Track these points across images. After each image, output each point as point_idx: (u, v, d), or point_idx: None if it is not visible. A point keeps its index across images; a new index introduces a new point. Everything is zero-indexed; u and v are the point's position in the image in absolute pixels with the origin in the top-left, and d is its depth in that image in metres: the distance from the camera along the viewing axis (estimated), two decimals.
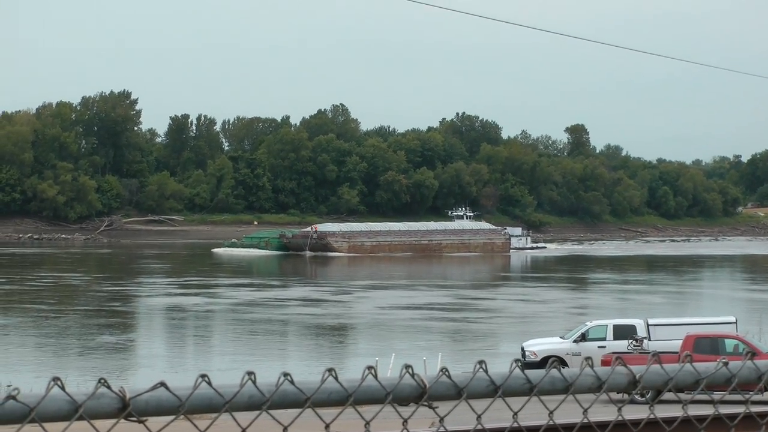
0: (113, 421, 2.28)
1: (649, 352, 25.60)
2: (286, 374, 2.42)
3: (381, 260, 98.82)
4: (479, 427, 2.75)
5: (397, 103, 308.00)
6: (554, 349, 29.01)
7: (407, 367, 2.54)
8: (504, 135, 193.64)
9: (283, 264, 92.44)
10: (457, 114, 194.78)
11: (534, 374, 2.70)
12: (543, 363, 27.88)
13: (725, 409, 3.12)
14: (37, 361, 33.58)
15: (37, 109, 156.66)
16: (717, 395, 3.11)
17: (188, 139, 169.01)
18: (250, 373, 2.38)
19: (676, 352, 24.06)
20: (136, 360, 35.14)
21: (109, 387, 2.24)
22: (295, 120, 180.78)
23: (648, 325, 29.24)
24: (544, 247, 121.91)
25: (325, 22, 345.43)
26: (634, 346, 27.50)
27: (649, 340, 28.36)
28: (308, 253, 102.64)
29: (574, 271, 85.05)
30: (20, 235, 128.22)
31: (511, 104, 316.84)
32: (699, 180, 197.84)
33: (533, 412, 3.00)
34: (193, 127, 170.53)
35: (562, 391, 2.71)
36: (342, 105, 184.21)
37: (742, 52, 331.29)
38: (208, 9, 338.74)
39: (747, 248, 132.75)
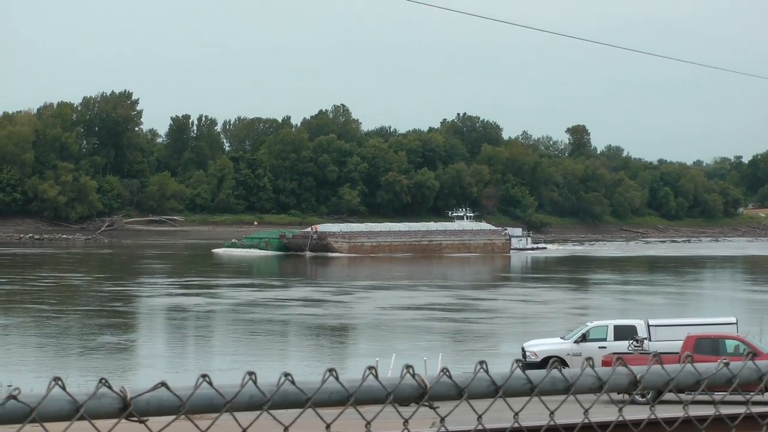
0: (114, 421, 2.28)
1: (649, 353, 25.60)
2: (286, 374, 2.42)
3: (381, 261, 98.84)
4: (480, 427, 2.75)
5: (398, 104, 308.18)
6: (555, 350, 29.00)
7: (408, 367, 2.54)
8: (505, 135, 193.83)
9: (283, 264, 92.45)
10: (458, 114, 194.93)
11: (535, 374, 2.70)
12: (544, 363, 27.88)
13: (726, 410, 3.12)
14: (38, 361, 33.59)
15: (38, 110, 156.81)
16: (718, 396, 3.11)
17: (189, 139, 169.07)
18: (250, 373, 2.38)
19: (677, 353, 24.06)
20: (137, 360, 35.15)
21: (110, 387, 2.24)
22: (296, 120, 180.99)
23: (649, 326, 29.24)
24: (545, 248, 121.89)
25: (325, 22, 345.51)
26: (635, 346, 27.50)
27: (650, 340, 28.36)
28: (308, 254, 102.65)
29: (574, 272, 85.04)
30: (21, 236, 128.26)
31: (511, 105, 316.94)
32: (700, 181, 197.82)
33: (534, 413, 3.00)
34: (194, 128, 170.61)
35: (563, 391, 2.71)
36: (343, 105, 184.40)
37: (742, 52, 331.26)
38: (209, 9, 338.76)
39: (748, 249, 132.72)
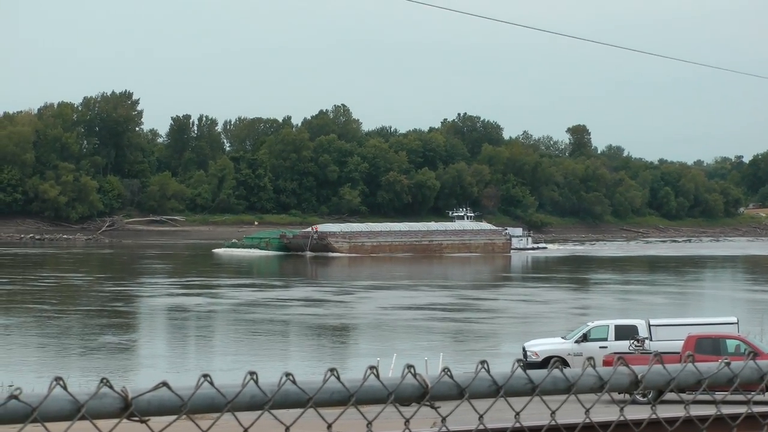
0: (115, 421, 2.28)
1: (650, 353, 25.60)
2: (288, 374, 2.42)
3: (382, 261, 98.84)
4: (481, 427, 2.75)
5: (399, 104, 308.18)
6: (556, 350, 29.00)
7: (409, 367, 2.54)
8: (505, 135, 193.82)
9: (283, 264, 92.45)
10: (459, 114, 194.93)
11: (536, 374, 2.70)
12: (544, 363, 27.89)
13: (727, 410, 3.12)
14: (39, 361, 33.60)
15: (38, 110, 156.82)
16: (719, 395, 3.11)
17: (190, 139, 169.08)
18: (252, 373, 2.38)
19: (678, 353, 24.06)
20: (138, 360, 35.16)
21: (111, 387, 2.24)
22: (296, 120, 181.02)
23: (649, 326, 29.24)
24: (545, 248, 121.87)
25: (326, 22, 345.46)
26: (636, 346, 27.49)
27: (651, 340, 28.36)
28: (308, 254, 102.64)
29: (575, 272, 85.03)
30: (22, 236, 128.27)
31: (512, 105, 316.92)
32: (700, 181, 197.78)
33: (535, 412, 3.00)
34: (195, 128, 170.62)
35: (564, 391, 2.71)
36: (343, 105, 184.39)
37: (743, 52, 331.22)
38: (210, 9, 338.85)
39: (748, 249, 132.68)
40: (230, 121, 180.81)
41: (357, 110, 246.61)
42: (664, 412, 3.03)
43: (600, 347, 28.20)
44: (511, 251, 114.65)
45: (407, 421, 2.66)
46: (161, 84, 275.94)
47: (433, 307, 52.89)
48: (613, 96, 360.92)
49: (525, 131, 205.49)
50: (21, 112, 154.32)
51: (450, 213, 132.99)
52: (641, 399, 20.03)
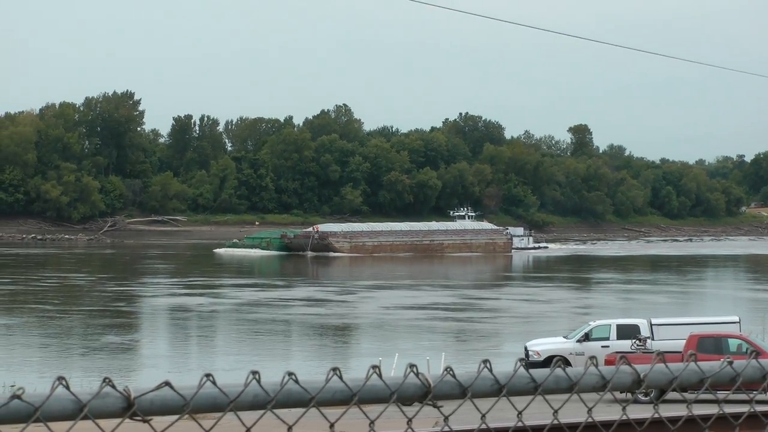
0: (118, 420, 2.28)
1: (652, 352, 25.59)
2: (290, 373, 2.42)
3: (383, 260, 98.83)
4: (484, 426, 2.75)
5: (400, 104, 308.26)
6: (558, 349, 28.99)
7: (412, 366, 2.54)
8: (507, 135, 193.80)
9: (284, 264, 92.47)
10: (460, 114, 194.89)
11: (538, 373, 2.70)
12: (546, 363, 27.88)
13: (729, 409, 3.11)
14: (41, 361, 33.62)
15: (40, 110, 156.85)
16: (721, 395, 3.11)
17: (191, 139, 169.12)
18: (254, 373, 2.38)
19: (680, 352, 24.06)
20: (141, 360, 35.17)
21: (113, 386, 2.25)
22: (298, 120, 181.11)
23: (651, 325, 29.24)
24: (546, 247, 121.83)
25: (327, 22, 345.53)
26: (638, 345, 27.49)
27: (653, 339, 28.36)
28: (309, 254, 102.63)
29: (577, 271, 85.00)
30: (24, 236, 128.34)
31: (514, 104, 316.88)
32: (702, 180, 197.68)
33: (537, 412, 3.00)
34: (196, 128, 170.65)
35: (567, 390, 2.71)
36: (345, 105, 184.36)
37: (745, 52, 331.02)
38: (211, 10, 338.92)
39: (750, 248, 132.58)
40: (232, 121, 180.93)
41: (358, 110, 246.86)
42: (667, 411, 3.02)
43: (602, 347, 28.19)
44: (512, 251, 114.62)
45: (410, 420, 2.66)
46: (163, 84, 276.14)
47: (435, 306, 52.88)
48: (615, 95, 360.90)
49: (526, 131, 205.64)
50: (23, 112, 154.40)
51: (451, 213, 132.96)
52: (643, 398, 20.02)
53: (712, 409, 3.21)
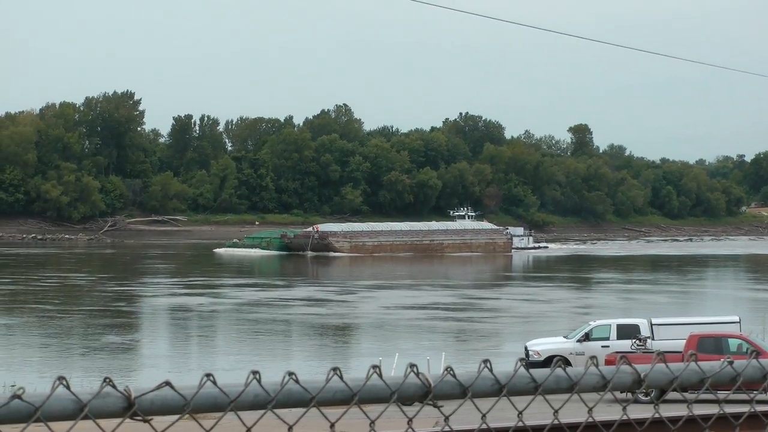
0: (118, 420, 2.28)
1: (652, 352, 25.59)
2: (291, 373, 2.42)
3: (383, 260, 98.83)
4: (484, 426, 2.75)
5: (400, 103, 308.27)
6: (558, 349, 28.99)
7: (412, 366, 2.54)
8: (507, 135, 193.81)
9: (284, 264, 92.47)
10: (461, 114, 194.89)
11: (539, 373, 2.70)
12: (546, 362, 27.89)
13: (730, 409, 3.11)
14: (42, 361, 33.62)
15: (40, 110, 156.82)
16: (722, 394, 3.10)
17: (191, 139, 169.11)
18: (255, 373, 2.38)
19: (680, 352, 24.06)
20: (141, 360, 35.17)
21: (114, 386, 2.24)
22: (298, 120, 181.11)
23: (651, 325, 29.24)
24: (546, 247, 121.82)
25: (327, 22, 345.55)
26: (638, 345, 27.49)
27: (653, 339, 28.36)
28: (309, 253, 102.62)
29: (577, 271, 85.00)
30: (24, 236, 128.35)
31: (514, 104, 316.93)
32: (702, 179, 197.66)
33: (538, 412, 3.00)
34: (197, 128, 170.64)
35: (567, 390, 2.71)
36: (345, 105, 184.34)
37: (745, 52, 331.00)
38: (211, 10, 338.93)
39: (750, 248, 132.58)
40: (232, 121, 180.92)
41: (358, 110, 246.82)
42: (667, 411, 3.02)
43: (602, 346, 28.19)
44: (512, 250, 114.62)
45: (410, 420, 2.66)
46: (163, 84, 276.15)
47: (435, 306, 52.88)
48: (615, 95, 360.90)
49: (527, 130, 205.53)
50: (23, 112, 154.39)
51: (451, 213, 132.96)
52: (643, 398, 20.02)
53: (712, 409, 3.21)
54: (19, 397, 2.17)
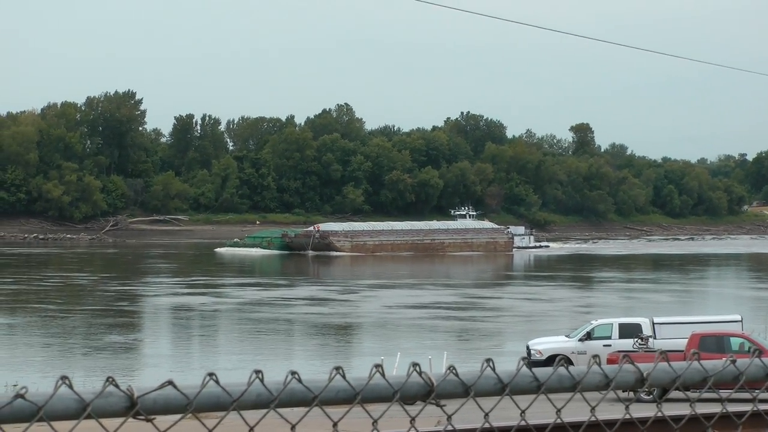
0: (121, 419, 2.28)
1: (654, 351, 25.58)
2: (293, 372, 2.42)
3: (384, 259, 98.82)
4: (487, 425, 2.74)
5: (402, 103, 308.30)
6: (560, 348, 28.99)
7: (415, 365, 2.54)
8: (509, 134, 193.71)
9: (285, 263, 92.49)
10: (462, 113, 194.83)
11: (542, 372, 2.70)
12: (548, 362, 27.89)
13: (733, 407, 3.11)
14: (44, 360, 33.64)
15: (41, 110, 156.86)
16: (724, 393, 3.10)
17: (193, 138, 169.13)
18: (257, 372, 2.38)
19: (682, 351, 24.05)
20: (144, 359, 35.18)
21: (117, 386, 2.24)
22: (299, 120, 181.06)
23: (653, 324, 29.23)
24: (548, 246, 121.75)
25: (329, 22, 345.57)
26: (640, 344, 27.48)
27: (655, 338, 28.35)
28: (310, 253, 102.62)
29: (579, 270, 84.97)
30: (26, 235, 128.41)
31: (515, 103, 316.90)
32: (704, 179, 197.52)
33: (540, 411, 3.00)
34: (198, 127, 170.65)
35: (570, 389, 2.71)
36: (346, 104, 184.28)
37: (745, 51, 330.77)
38: (211, 10, 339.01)
39: (752, 247, 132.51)
40: (233, 121, 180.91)
41: (360, 109, 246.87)
42: (669, 410, 3.02)
43: (604, 345, 28.18)
44: (513, 250, 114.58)
45: (413, 419, 2.66)
46: (164, 84, 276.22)
47: (436, 305, 52.88)
48: (617, 94, 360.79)
49: (528, 130, 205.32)
50: (24, 112, 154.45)
51: (452, 212, 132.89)
52: (645, 397, 20.01)
53: (715, 408, 3.21)
54: (22, 396, 2.17)
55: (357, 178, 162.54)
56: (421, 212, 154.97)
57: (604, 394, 2.92)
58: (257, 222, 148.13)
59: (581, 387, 2.70)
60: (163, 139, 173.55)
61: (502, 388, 2.62)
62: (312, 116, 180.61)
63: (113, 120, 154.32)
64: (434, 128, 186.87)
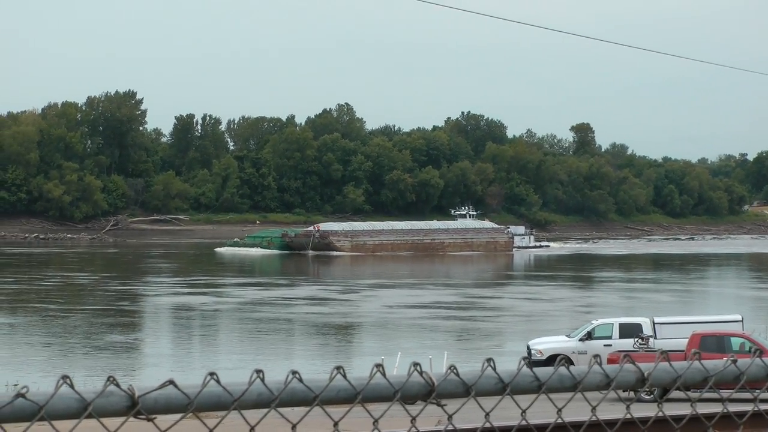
0: (122, 419, 2.28)
1: (655, 351, 25.58)
2: (294, 372, 2.42)
3: (384, 259, 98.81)
4: (488, 425, 2.74)
5: (402, 103, 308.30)
6: (560, 348, 28.99)
7: (415, 364, 2.54)
8: (509, 134, 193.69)
9: (286, 263, 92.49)
10: (463, 113, 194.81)
11: (542, 372, 2.70)
12: (549, 361, 27.89)
13: (734, 407, 3.11)
14: (45, 360, 33.64)
15: (42, 109, 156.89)
16: (725, 393, 3.10)
17: (193, 138, 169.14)
18: (258, 371, 2.38)
19: (683, 351, 24.04)
20: (144, 359, 35.19)
21: (118, 385, 2.25)
22: (300, 119, 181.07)
23: (654, 324, 29.22)
24: (548, 246, 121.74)
25: (329, 22, 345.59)
26: (640, 344, 27.47)
27: (655, 338, 28.35)
28: (310, 253, 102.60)
29: (579, 270, 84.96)
30: (26, 235, 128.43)
31: (516, 103, 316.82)
32: (705, 178, 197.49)
33: (541, 410, 3.00)
34: (199, 127, 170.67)
35: (571, 388, 2.71)
36: (347, 104, 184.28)
37: (745, 51, 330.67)
38: (211, 10, 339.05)
39: (753, 246, 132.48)
40: (234, 121, 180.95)
41: (360, 109, 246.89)
42: (670, 409, 3.02)
43: (604, 345, 28.18)
44: (513, 249, 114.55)
45: (414, 419, 2.66)
46: (165, 83, 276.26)
47: (437, 305, 52.87)
48: (617, 94, 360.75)
49: (529, 129, 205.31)
50: (25, 111, 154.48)
51: (452, 212, 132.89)
52: (646, 397, 20.01)
53: (716, 408, 3.21)
54: (23, 395, 2.17)
55: (357, 177, 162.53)
56: (421, 212, 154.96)
57: (605, 394, 2.92)
58: (257, 222, 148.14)
59: (582, 387, 2.70)
60: (164, 139, 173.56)
61: (503, 388, 2.62)
62: (312, 116, 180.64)
63: (114, 120, 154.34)
64: (435, 128, 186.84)
